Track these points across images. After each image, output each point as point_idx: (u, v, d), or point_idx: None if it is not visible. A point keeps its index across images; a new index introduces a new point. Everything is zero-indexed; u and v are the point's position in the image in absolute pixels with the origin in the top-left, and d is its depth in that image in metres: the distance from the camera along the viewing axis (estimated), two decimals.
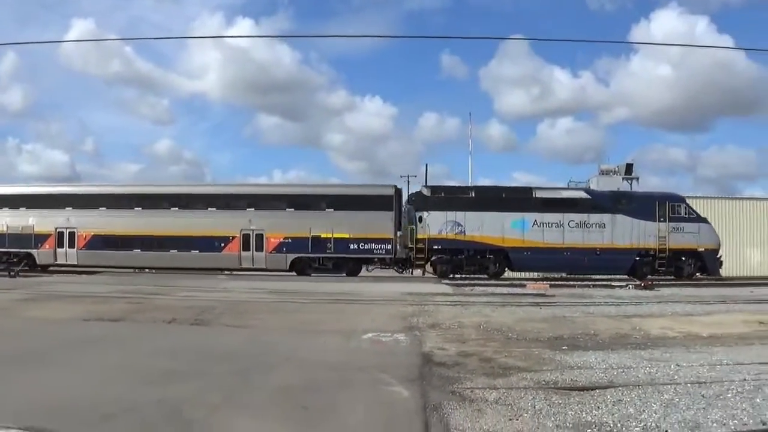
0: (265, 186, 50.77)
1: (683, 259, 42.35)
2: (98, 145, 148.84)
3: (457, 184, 47.01)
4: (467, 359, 13.68)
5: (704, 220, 43.21)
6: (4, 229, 45.39)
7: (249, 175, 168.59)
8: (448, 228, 41.81)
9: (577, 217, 41.90)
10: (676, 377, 11.86)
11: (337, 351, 14.46)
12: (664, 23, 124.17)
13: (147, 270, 45.27)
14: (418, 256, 42.17)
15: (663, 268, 41.98)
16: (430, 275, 42.90)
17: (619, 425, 8.84)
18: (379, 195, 43.72)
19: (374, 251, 42.79)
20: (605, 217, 41.94)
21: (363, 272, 43.69)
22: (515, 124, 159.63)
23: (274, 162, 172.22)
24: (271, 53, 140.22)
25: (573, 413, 9.40)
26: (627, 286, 35.53)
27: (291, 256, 43.04)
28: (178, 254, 43.50)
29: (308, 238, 42.68)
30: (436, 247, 41.90)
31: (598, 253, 41.44)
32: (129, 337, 16.62)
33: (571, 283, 37.48)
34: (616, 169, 63.63)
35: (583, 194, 43.15)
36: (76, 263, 44.77)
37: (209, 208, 44.46)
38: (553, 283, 36.80)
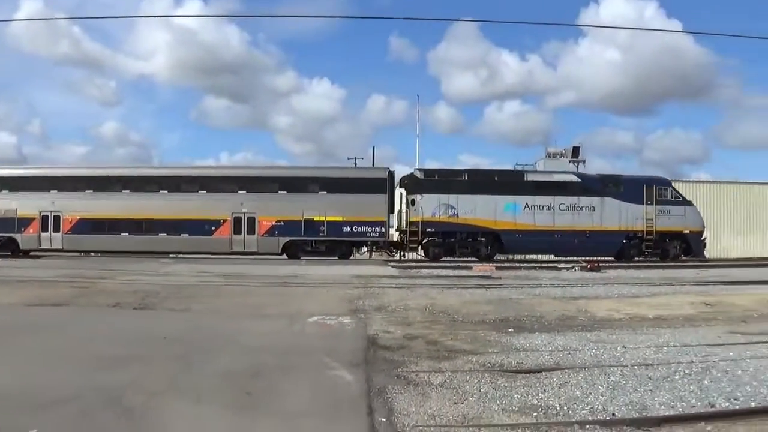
0: (257, 168, 48.73)
1: (669, 241, 43.32)
2: (45, 126, 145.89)
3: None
4: (413, 342, 13.61)
5: (689, 204, 44.37)
6: None
7: (197, 157, 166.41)
8: (441, 211, 42.18)
9: (568, 200, 42.68)
10: (622, 359, 11.91)
11: (281, 335, 14.30)
12: (613, 7, 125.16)
13: (94, 254, 44.55)
14: (411, 239, 42.52)
15: (650, 250, 43.13)
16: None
17: (565, 408, 8.81)
18: (372, 178, 43.76)
19: (367, 234, 42.72)
20: (594, 200, 42.82)
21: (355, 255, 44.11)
22: (463, 107, 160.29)
23: (221, 144, 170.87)
24: (220, 34, 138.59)
25: (519, 396, 9.36)
26: (573, 268, 35.79)
27: (283, 240, 42.66)
28: (167, 238, 42.66)
29: (301, 221, 42.43)
30: (429, 229, 42.37)
31: (587, 235, 42.36)
32: (72, 323, 16.24)
33: (517, 265, 37.69)
34: (563, 152, 64.12)
35: (573, 177, 43.81)
36: (61, 248, 43.57)
37: (200, 191, 43.60)
38: (499, 265, 36.94)
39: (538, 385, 10.01)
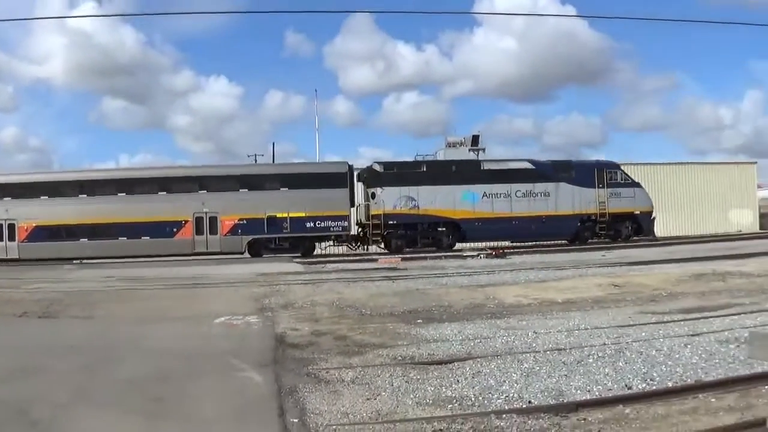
0: (217, 167, 48.49)
1: (621, 222, 44.99)
2: None
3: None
4: (321, 338, 13.43)
5: (638, 185, 45.99)
6: None
7: (96, 161, 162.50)
8: (402, 203, 42.82)
9: (523, 187, 43.74)
10: (534, 345, 11.96)
11: (188, 338, 13.91)
12: None
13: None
14: (374, 231, 42.83)
15: (603, 232, 44.65)
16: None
17: (480, 398, 8.74)
18: (333, 173, 43.57)
19: (331, 228, 42.68)
20: (549, 186, 44.02)
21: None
22: (361, 100, 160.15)
23: (121, 146, 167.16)
24: (115, 36, 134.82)
25: (432, 389, 9.24)
26: (478, 255, 36.10)
27: (247, 238, 42.23)
28: (127, 242, 41.28)
29: (264, 218, 41.96)
30: (391, 222, 42.77)
31: (543, 220, 43.44)
32: None
33: (423, 255, 37.79)
34: (463, 140, 64.79)
35: (527, 165, 45.05)
36: (17, 257, 41.16)
37: (159, 192, 42.35)
38: (404, 256, 36.99)
39: (451, 376, 9.92)
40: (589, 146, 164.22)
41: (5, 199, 41.60)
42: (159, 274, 29.54)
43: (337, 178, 42.90)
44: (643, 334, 12.44)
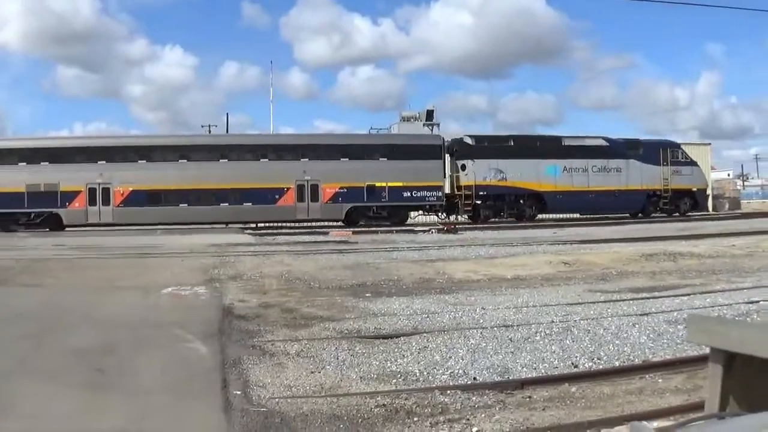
0: (319, 136, 50.29)
1: (680, 198, 48.31)
2: None
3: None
4: (268, 310, 13.34)
5: (695, 164, 49.18)
6: (23, 187, 40.12)
7: (50, 128, 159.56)
8: (492, 175, 44.68)
9: (599, 163, 46.41)
10: (482, 321, 11.99)
11: (135, 308, 13.66)
12: None
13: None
14: (466, 202, 44.43)
15: (667, 206, 47.96)
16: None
17: (425, 373, 8.76)
18: (428, 144, 45.82)
19: (426, 198, 44.25)
20: (621, 162, 46.74)
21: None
22: (316, 73, 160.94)
23: (75, 114, 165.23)
24: (70, 2, 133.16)
25: (377, 363, 9.25)
26: (430, 230, 36.26)
27: (347, 206, 43.35)
28: (229, 208, 42.00)
29: (363, 187, 43.26)
30: (481, 193, 44.73)
31: (616, 194, 46.21)
32: None
33: (374, 229, 37.76)
34: (417, 115, 65.12)
35: (602, 142, 47.72)
36: (111, 222, 41.18)
37: (261, 159, 43.39)
38: (356, 230, 36.95)
39: (396, 350, 9.93)
40: (544, 124, 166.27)
41: (100, 162, 41.35)
42: (110, 243, 29.10)
43: (432, 150, 44.82)
44: (592, 312, 12.53)
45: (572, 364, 9.19)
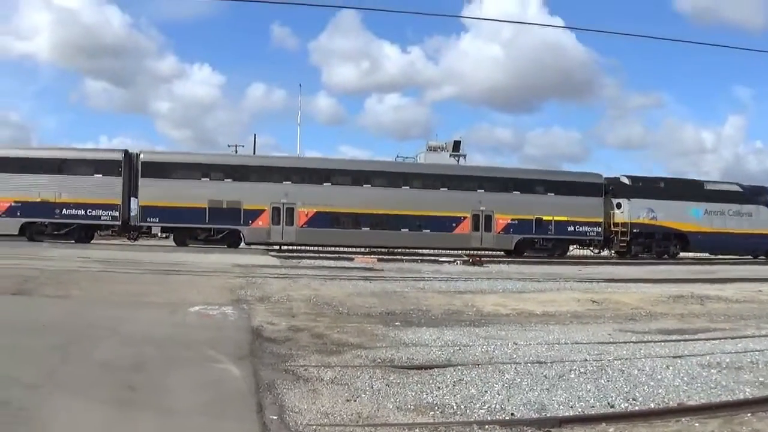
0: (493, 169, 50.37)
1: None
2: None
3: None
4: (298, 335, 13.31)
5: None
6: (205, 203, 41.49)
7: (75, 141, 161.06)
8: (644, 213, 47.00)
9: (734, 207, 48.88)
10: (515, 356, 11.88)
11: (163, 325, 13.66)
12: (497, 2, 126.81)
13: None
14: (622, 238, 46.44)
15: None
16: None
17: (462, 407, 8.66)
18: (590, 183, 47.25)
19: (587, 233, 46.33)
20: (752, 208, 49.33)
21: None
22: (343, 98, 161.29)
23: (100, 128, 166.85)
24: (101, 16, 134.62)
25: (413, 394, 9.16)
26: (455, 261, 36.15)
27: (516, 237, 45.16)
28: (409, 234, 43.64)
29: (532, 219, 45.04)
30: (635, 230, 46.80)
31: (746, 237, 48.43)
32: None
33: (399, 257, 37.82)
34: (444, 145, 65.22)
35: (737, 187, 50.56)
36: (294, 242, 42.78)
37: (441, 189, 44.87)
38: (381, 257, 36.92)
39: (431, 382, 9.84)
40: (570, 160, 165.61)
41: (285, 183, 42.74)
42: (134, 258, 29.17)
43: (594, 188, 46.75)
44: (624, 352, 12.39)
45: (608, 404, 9.08)
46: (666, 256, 47.30)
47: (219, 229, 41.87)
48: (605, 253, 48.48)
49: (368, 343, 12.82)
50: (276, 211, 42.24)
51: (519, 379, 10.08)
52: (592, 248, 48.13)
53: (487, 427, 7.78)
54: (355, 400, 8.72)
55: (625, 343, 13.54)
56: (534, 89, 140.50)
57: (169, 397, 8.35)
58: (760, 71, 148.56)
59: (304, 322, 14.79)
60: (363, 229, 43.18)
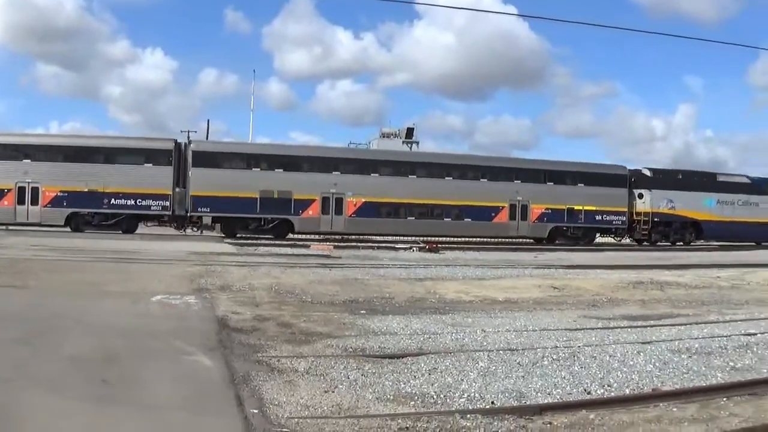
0: (529, 161, 53.34)
1: None
2: None
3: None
4: (265, 324, 13.15)
5: None
6: (256, 193, 42.10)
7: (26, 126, 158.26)
8: (663, 204, 49.88)
9: (743, 198, 52.03)
10: (485, 344, 11.87)
11: (127, 315, 13.36)
12: None
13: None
14: (643, 227, 49.22)
15: None
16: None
17: (442, 396, 8.58)
18: (616, 174, 50.11)
19: (613, 222, 48.96)
20: (758, 198, 52.42)
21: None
22: (295, 84, 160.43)
23: (51, 113, 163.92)
24: None
25: (390, 383, 9.05)
26: (411, 248, 36.15)
27: (549, 226, 47.57)
28: (452, 223, 45.52)
29: (564, 209, 47.48)
30: (656, 219, 49.59)
31: (753, 225, 51.54)
32: None
33: (355, 244, 37.77)
34: (397, 132, 65.35)
35: (745, 179, 53.87)
36: (342, 231, 43.61)
37: (481, 180, 46.75)
38: (337, 244, 36.81)
39: (406, 371, 9.75)
40: (519, 147, 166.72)
41: (334, 173, 43.94)
42: (88, 246, 28.72)
43: (620, 179, 49.58)
44: (594, 339, 12.45)
45: (584, 390, 9.08)
46: (680, 243, 50.09)
47: (270, 218, 42.66)
48: (626, 240, 51.18)
49: (337, 332, 12.71)
50: (326, 200, 43.23)
51: (493, 367, 10.04)
52: (614, 236, 50.77)
53: (468, 416, 7.69)
54: (333, 391, 8.58)
55: (593, 329, 13.62)
56: (486, 77, 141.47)
57: (147, 392, 8.09)
58: (712, 61, 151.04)
59: (268, 311, 14.65)
60: (408, 218, 44.95)
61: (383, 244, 38.96)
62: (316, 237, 42.19)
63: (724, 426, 7.69)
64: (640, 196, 49.61)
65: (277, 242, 37.62)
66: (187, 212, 41.48)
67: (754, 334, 13.08)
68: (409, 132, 67.86)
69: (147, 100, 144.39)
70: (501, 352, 11.06)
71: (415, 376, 9.45)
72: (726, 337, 12.82)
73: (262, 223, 42.65)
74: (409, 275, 22.38)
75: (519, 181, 47.09)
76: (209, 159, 42.48)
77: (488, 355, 10.75)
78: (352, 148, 52.18)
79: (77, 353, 9.72)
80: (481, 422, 7.52)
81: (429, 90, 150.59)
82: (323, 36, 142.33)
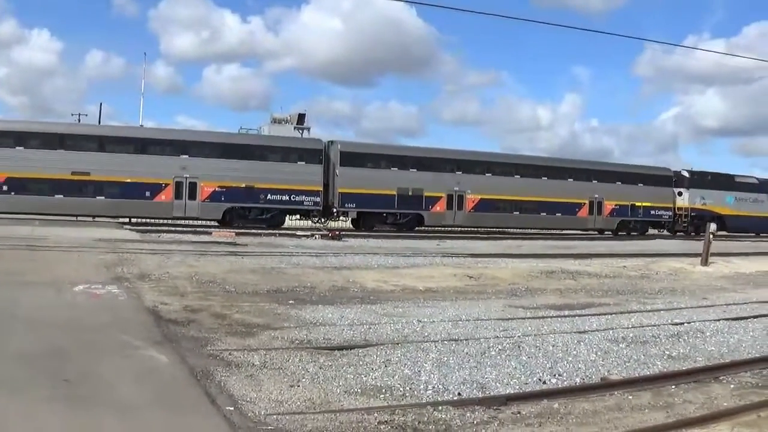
0: (604, 164, 60.77)
1: None
2: None
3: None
4: (198, 315, 13.01)
5: None
6: (394, 190, 45.96)
7: None
8: (698, 200, 57.40)
9: (752, 195, 60.62)
10: (426, 334, 12.05)
11: (57, 307, 12.90)
12: None
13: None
14: (684, 220, 56.84)
15: None
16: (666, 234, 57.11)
17: (407, 388, 8.68)
18: (664, 175, 57.61)
19: (661, 216, 56.32)
20: (764, 196, 60.94)
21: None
22: (182, 67, 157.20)
23: None
24: None
25: (352, 376, 9.09)
26: (314, 236, 36.03)
27: (617, 219, 54.44)
28: (545, 217, 51.01)
29: (629, 205, 54.29)
30: (693, 214, 56.94)
31: (760, 219, 59.98)
32: None
33: (257, 232, 37.38)
34: (288, 118, 65.14)
35: (754, 180, 62.29)
36: (462, 224, 48.67)
37: (568, 179, 52.47)
38: (239, 231, 36.35)
39: (361, 363, 9.81)
40: (406, 134, 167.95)
41: (457, 173, 48.52)
42: None
43: (667, 180, 56.94)
44: (529, 328, 12.77)
45: (539, 379, 9.35)
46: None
47: (405, 213, 47.03)
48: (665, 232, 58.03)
49: (274, 323, 12.67)
50: (450, 198, 47.86)
51: (445, 358, 10.20)
52: (659, 229, 57.85)
53: (441, 408, 7.82)
54: (298, 386, 8.57)
55: (524, 319, 13.98)
56: (373, 63, 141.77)
57: (115, 391, 7.82)
58: (599, 51, 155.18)
59: (196, 302, 14.50)
60: (513, 213, 49.99)
61: (285, 232, 38.73)
62: (215, 224, 41.65)
63: (683, 413, 8.06)
64: (680, 194, 57.12)
65: (177, 229, 36.92)
66: (332, 207, 45.10)
67: (682, 324, 13.72)
68: (301, 118, 67.84)
69: (33, 81, 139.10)
70: (446, 342, 11.25)
71: (372, 369, 9.52)
72: (656, 326, 13.41)
73: (398, 217, 46.96)
74: (324, 264, 22.34)
75: (596, 181, 53.39)
76: (355, 159, 46.36)
77: (435, 346, 10.92)
78: (471, 151, 55.47)
79: (25, 351, 9.33)
80: (455, 414, 7.72)
81: (316, 75, 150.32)
82: (210, 19, 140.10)
